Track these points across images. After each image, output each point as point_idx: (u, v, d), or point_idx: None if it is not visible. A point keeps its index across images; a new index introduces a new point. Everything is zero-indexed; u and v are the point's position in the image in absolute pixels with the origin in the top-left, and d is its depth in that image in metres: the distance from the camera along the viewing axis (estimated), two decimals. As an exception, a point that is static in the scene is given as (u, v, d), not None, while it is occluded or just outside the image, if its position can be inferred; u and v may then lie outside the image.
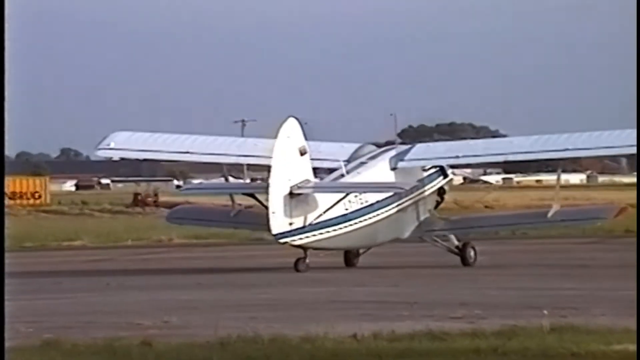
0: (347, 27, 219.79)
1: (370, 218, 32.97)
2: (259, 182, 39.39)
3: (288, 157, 31.27)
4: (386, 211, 33.31)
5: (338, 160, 33.55)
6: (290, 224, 31.35)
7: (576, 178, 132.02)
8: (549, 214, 33.90)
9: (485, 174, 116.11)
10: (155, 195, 77.38)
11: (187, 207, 41.58)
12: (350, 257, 33.99)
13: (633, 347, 16.13)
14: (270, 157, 31.68)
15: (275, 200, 31.00)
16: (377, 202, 33.15)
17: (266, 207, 31.91)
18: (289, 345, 16.68)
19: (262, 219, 33.61)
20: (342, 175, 33.26)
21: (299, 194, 31.40)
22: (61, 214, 70.14)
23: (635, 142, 32.56)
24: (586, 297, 23.97)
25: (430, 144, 37.42)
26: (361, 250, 34.01)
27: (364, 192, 32.99)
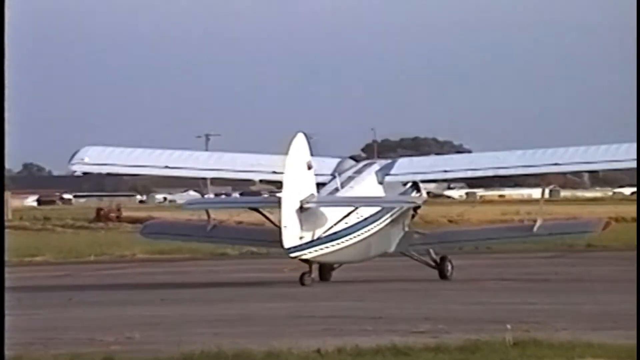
0: (310, 42, 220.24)
1: (365, 232, 33.16)
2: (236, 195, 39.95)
3: (298, 172, 31.49)
4: (377, 225, 33.50)
5: (322, 175, 33.56)
6: (301, 237, 31.56)
7: (539, 192, 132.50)
8: (535, 228, 33.90)
9: (449, 188, 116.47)
10: (118, 210, 77.05)
11: (161, 221, 41.55)
12: (325, 271, 33.96)
13: (595, 361, 16.22)
14: (254, 171, 32.39)
15: (287, 215, 31.09)
16: (371, 216, 33.35)
17: (271, 222, 32.17)
18: (253, 360, 16.66)
19: (237, 234, 33.75)
20: (337, 190, 33.31)
21: (308, 208, 31.58)
22: (23, 230, 69.67)
23: (615, 158, 33.09)
24: (548, 311, 24.07)
25: (414, 159, 37.53)
26: (335, 265, 34.06)
27: (375, 206, 33.27)
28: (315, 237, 31.77)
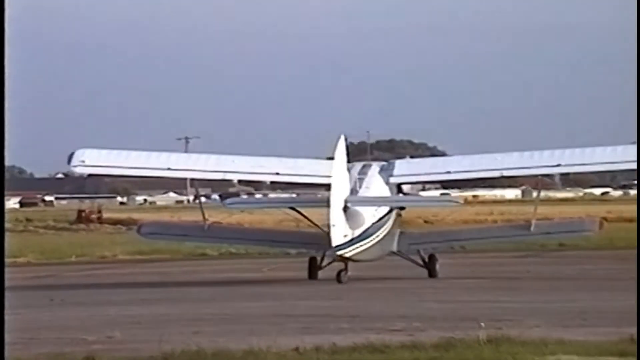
0: (288, 45, 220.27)
1: (382, 232, 33.60)
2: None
3: (341, 173, 32.22)
4: (388, 225, 33.95)
5: (322, 176, 33.89)
6: (345, 236, 32.09)
7: (511, 193, 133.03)
8: (532, 227, 34.23)
9: (424, 189, 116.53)
10: (99, 212, 76.86)
11: (158, 222, 41.88)
12: (314, 269, 34.16)
13: (566, 358, 16.30)
14: (258, 173, 33.43)
15: (336, 214, 31.65)
16: (383, 217, 33.78)
17: (311, 221, 32.83)
18: (233, 358, 16.65)
19: (233, 233, 34.12)
20: (356, 191, 33.53)
21: (348, 208, 32.15)
22: (5, 229, 69.36)
23: (613, 160, 33.79)
24: (521, 309, 24.15)
25: (412, 160, 38.19)
26: (323, 264, 34.14)
27: (418, 205, 33.69)
28: (354, 236, 32.32)
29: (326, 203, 31.82)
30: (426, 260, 34.31)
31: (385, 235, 33.60)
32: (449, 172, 35.09)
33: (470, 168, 35.36)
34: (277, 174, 34.56)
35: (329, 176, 33.44)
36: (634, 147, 34.31)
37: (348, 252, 32.16)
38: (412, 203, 34.27)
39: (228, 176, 35.92)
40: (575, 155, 34.61)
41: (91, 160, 34.70)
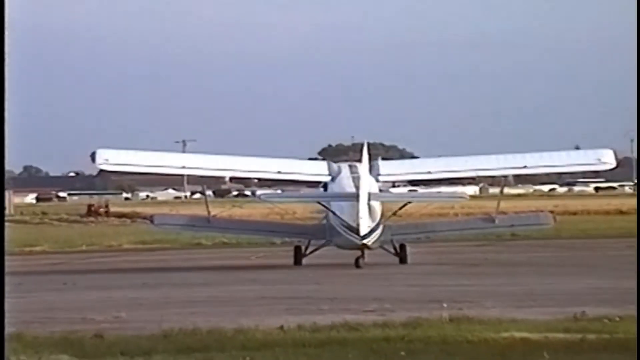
0: (277, 51, 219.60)
1: (381, 224, 33.99)
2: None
3: (366, 172, 33.16)
4: (381, 218, 34.29)
5: (321, 175, 34.94)
6: (368, 227, 32.82)
7: (471, 190, 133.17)
8: (496, 221, 35.35)
9: (393, 186, 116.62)
10: (107, 206, 76.62)
11: (169, 214, 42.76)
12: (299, 257, 34.52)
13: (518, 335, 16.35)
14: (261, 171, 34.79)
15: (363, 208, 32.45)
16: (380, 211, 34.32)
17: (335, 214, 33.19)
18: (225, 336, 16.64)
19: (233, 224, 35.66)
20: (358, 188, 33.79)
21: (369, 203, 32.89)
22: (23, 223, 69.09)
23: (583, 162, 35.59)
24: (479, 292, 24.19)
25: (393, 162, 39.24)
26: (307, 252, 34.64)
27: (431, 201, 34.86)
28: (373, 227, 32.96)
29: (354, 198, 32.60)
30: (398, 249, 34.45)
31: (384, 227, 34.12)
32: (429, 172, 35.70)
33: (448, 169, 36.10)
34: (279, 172, 35.27)
35: (325, 175, 34.67)
36: (585, 152, 36.27)
37: (369, 241, 32.90)
38: (425, 199, 35.23)
39: (237, 174, 37.42)
40: (538, 158, 35.98)
41: (114, 159, 35.13)
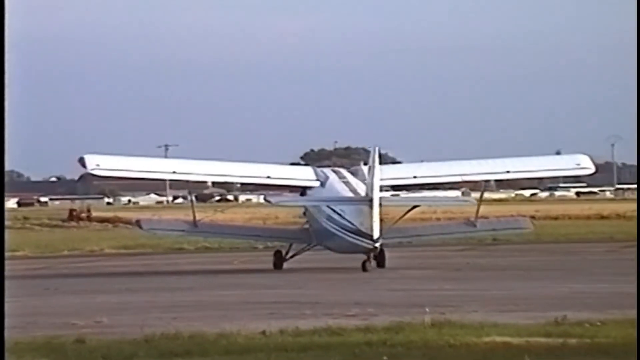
0: (259, 57, 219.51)
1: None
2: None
3: (377, 178, 33.48)
4: None
5: (309, 180, 35.34)
6: (378, 230, 33.43)
7: (453, 194, 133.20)
8: (478, 225, 36.14)
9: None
10: (88, 211, 76.37)
11: (158, 219, 42.95)
12: (279, 261, 34.74)
13: (499, 339, 16.39)
14: (253, 176, 35.26)
15: (376, 211, 32.90)
16: None
17: (331, 219, 33.54)
18: (207, 341, 16.61)
19: (220, 229, 36.27)
20: (356, 192, 34.39)
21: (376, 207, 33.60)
22: (5, 228, 68.81)
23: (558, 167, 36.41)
24: (461, 296, 24.22)
25: (382, 167, 39.64)
26: (287, 257, 34.92)
27: (438, 205, 35.29)
28: (378, 231, 33.44)
29: (366, 202, 32.99)
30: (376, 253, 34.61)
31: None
32: (415, 177, 36.27)
33: (432, 174, 36.52)
34: (269, 177, 35.75)
35: (313, 180, 35.18)
36: (563, 158, 37.03)
37: (377, 244, 33.32)
38: (432, 203, 35.69)
39: (228, 179, 37.72)
40: (519, 163, 36.81)
41: (105, 164, 35.35)
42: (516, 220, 39.51)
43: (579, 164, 36.14)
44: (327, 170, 36.15)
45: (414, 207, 35.29)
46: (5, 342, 16.60)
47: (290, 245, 34.79)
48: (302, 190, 35.80)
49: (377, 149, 33.76)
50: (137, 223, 38.02)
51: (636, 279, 19.65)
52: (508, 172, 36.43)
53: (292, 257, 34.63)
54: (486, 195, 42.79)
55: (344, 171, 36.03)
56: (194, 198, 43.62)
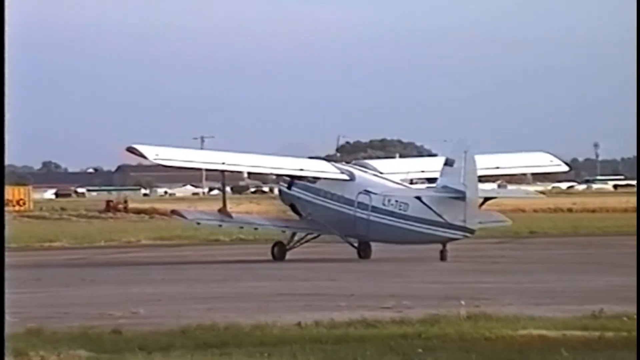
0: (287, 49, 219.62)
1: None
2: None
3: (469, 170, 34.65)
4: None
5: (334, 172, 36.66)
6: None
7: (488, 187, 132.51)
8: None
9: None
10: (125, 202, 76.81)
11: (200, 210, 43.81)
12: (281, 252, 35.86)
13: (536, 332, 16.29)
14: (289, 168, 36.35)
15: (472, 203, 34.39)
16: None
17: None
18: (242, 332, 16.64)
19: (253, 219, 36.94)
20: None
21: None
22: (42, 219, 69.38)
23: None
24: (497, 289, 24.12)
25: (385, 161, 40.57)
26: (287, 247, 36.14)
27: (511, 197, 39.11)
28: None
29: (460, 195, 33.96)
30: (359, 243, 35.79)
31: None
32: (423, 172, 37.22)
33: (434, 169, 36.92)
34: (302, 169, 37.11)
35: (338, 173, 36.31)
36: (548, 155, 38.23)
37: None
38: (505, 194, 37.86)
39: (274, 171, 38.74)
40: (510, 160, 38.01)
41: (163, 155, 36.42)
42: (496, 215, 39.43)
43: (552, 161, 37.69)
44: (346, 165, 37.32)
45: (487, 199, 35.72)
46: (42, 332, 16.71)
47: (292, 236, 35.96)
48: (290, 182, 37.05)
49: (467, 142, 34.49)
50: (178, 213, 38.87)
51: (636, 279, 19.46)
52: (498, 167, 37.49)
53: (291, 248, 35.68)
54: (522, 188, 42.75)
55: (359, 165, 37.27)
56: (229, 189, 44.58)
